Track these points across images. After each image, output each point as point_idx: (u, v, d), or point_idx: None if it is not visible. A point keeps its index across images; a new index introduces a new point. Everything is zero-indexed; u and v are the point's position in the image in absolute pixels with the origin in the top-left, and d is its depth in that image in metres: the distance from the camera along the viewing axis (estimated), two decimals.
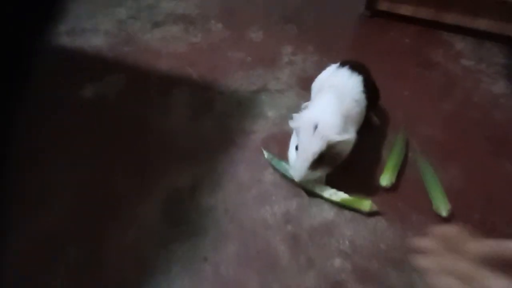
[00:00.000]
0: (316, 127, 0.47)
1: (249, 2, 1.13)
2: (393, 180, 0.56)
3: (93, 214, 0.52)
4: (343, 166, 0.52)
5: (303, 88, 0.77)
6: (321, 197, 0.53)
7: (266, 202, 0.54)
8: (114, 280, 0.44)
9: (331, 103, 0.51)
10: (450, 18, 1.04)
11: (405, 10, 1.07)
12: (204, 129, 0.66)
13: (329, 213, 0.53)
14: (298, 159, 0.48)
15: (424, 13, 1.05)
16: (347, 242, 0.49)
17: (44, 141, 0.62)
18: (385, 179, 0.56)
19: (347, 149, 0.50)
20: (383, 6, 1.09)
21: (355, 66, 0.60)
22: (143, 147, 0.62)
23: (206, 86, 0.76)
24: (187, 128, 0.66)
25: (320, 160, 0.47)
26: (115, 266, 0.46)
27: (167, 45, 0.88)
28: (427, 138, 0.67)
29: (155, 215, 0.52)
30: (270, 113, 0.70)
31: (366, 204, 0.51)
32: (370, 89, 0.59)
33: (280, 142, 0.64)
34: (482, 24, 1.01)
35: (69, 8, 0.99)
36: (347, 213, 0.53)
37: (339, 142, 0.47)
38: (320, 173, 0.49)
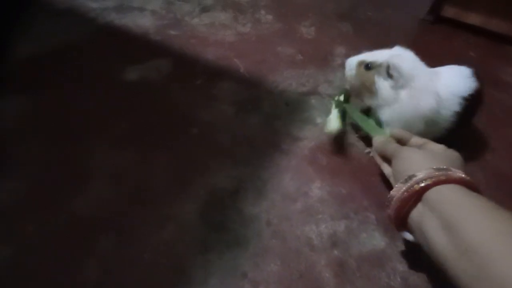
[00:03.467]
0: None
1: None
2: None
3: (128, 204, 0.49)
4: None
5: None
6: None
7: (312, 220, 0.50)
8: (146, 283, 0.42)
9: None
10: None
11: (474, 19, 0.97)
12: (248, 129, 0.62)
13: (380, 242, 0.48)
14: None
15: (496, 25, 0.95)
16: (398, 279, 0.44)
17: (83, 117, 0.61)
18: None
19: None
20: (449, 13, 0.99)
21: None
22: (183, 138, 0.59)
23: (253, 82, 0.71)
24: (230, 125, 0.62)
25: None
26: (148, 266, 0.43)
27: (215, 32, 0.84)
28: (494, 169, 0.60)
29: (193, 216, 0.49)
30: (320, 120, 0.65)
31: None
32: None
33: (329, 153, 0.59)
34: None
35: None
36: (400, 244, 0.48)
37: None
38: None
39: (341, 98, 0.62)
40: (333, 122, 0.57)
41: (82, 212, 0.48)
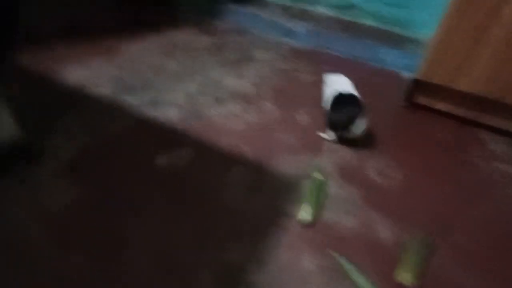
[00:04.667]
0: None
1: (298, 85, 1.30)
2: (412, 279, 0.63)
3: (167, 279, 0.63)
4: None
5: (344, 178, 0.87)
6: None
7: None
8: None
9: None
10: (488, 119, 1.11)
11: (443, 106, 1.16)
12: (253, 208, 0.77)
13: None
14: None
15: (461, 111, 1.14)
16: None
17: (123, 196, 0.77)
18: (403, 277, 0.63)
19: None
20: (422, 101, 1.19)
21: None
22: (202, 217, 0.74)
23: (258, 167, 0.88)
24: (240, 205, 0.78)
25: None
26: None
27: (227, 122, 1.05)
28: (456, 244, 0.73)
29: (207, 286, 0.62)
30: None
31: None
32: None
33: (319, 230, 0.73)
34: None
35: (153, 81, 1.22)
36: None
37: None
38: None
39: (317, 176, 0.78)
40: (306, 212, 0.72)
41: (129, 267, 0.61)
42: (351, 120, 0.91)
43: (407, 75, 1.43)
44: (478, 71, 0.99)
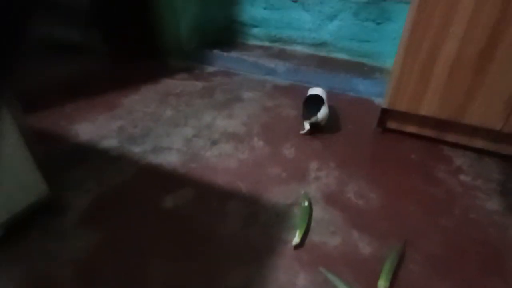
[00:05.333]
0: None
1: (283, 120, 1.45)
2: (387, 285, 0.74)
3: None
4: None
5: (327, 203, 0.99)
6: None
7: None
8: None
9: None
10: (450, 137, 1.27)
11: (411, 128, 1.32)
12: (251, 237, 0.89)
13: None
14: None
15: (428, 131, 1.30)
16: None
17: (137, 238, 0.88)
18: (379, 284, 0.74)
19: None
20: (392, 125, 1.35)
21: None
22: (207, 250, 0.85)
23: (253, 200, 1.01)
24: (238, 236, 0.89)
25: None
26: None
27: (222, 162, 1.18)
28: (426, 252, 0.84)
29: None
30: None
31: None
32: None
33: (309, 251, 0.84)
34: (478, 143, 1.23)
35: (153, 129, 1.36)
36: None
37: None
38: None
39: (305, 203, 0.91)
40: (297, 236, 0.84)
41: None
42: (318, 109, 1.29)
43: (379, 101, 1.60)
44: (430, 98, 1.16)
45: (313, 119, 1.29)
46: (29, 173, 0.85)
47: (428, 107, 1.19)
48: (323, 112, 1.29)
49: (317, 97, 1.36)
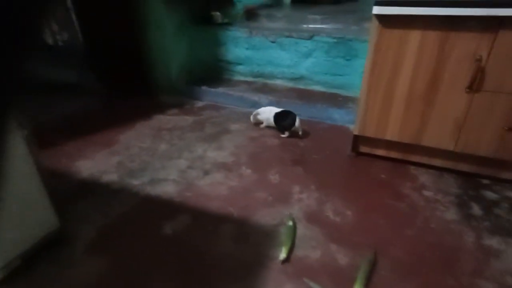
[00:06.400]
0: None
1: (267, 149, 1.61)
2: None
3: None
4: None
5: (309, 221, 1.13)
6: None
7: None
8: None
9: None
10: (414, 157, 1.45)
11: (380, 152, 1.50)
12: (243, 255, 1.00)
13: None
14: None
15: (394, 154, 1.47)
16: None
17: (140, 264, 0.98)
18: None
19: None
20: (364, 149, 1.53)
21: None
22: (203, 269, 0.96)
23: (243, 222, 1.13)
24: (231, 255, 1.00)
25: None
26: None
27: (214, 189, 1.31)
28: (394, 258, 0.98)
29: None
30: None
31: None
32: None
33: (294, 265, 0.96)
34: (438, 162, 1.41)
35: (150, 162, 1.49)
36: None
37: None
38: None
39: (290, 223, 1.04)
40: (283, 252, 0.97)
41: None
42: (294, 121, 1.65)
43: (353, 128, 1.79)
44: (392, 125, 1.35)
45: (293, 128, 1.67)
46: (44, 207, 0.96)
47: (391, 133, 1.37)
48: (297, 123, 1.67)
49: (283, 112, 1.73)
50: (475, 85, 1.17)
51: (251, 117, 1.85)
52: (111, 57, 2.36)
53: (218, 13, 2.35)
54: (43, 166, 0.94)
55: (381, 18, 1.21)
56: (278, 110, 1.76)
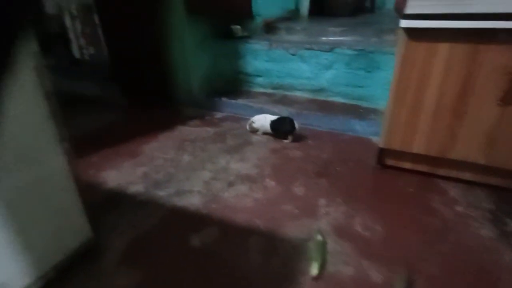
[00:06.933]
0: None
1: (290, 161, 1.61)
2: None
3: None
4: None
5: (338, 235, 1.11)
6: None
7: None
8: None
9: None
10: (442, 171, 1.41)
11: (406, 165, 1.47)
12: (272, 270, 0.99)
13: None
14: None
15: (421, 167, 1.45)
16: None
17: (170, 277, 0.98)
18: None
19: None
20: (390, 162, 1.50)
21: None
22: (233, 283, 0.95)
23: (270, 235, 1.12)
24: (261, 269, 1.00)
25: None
26: None
27: (239, 201, 1.31)
28: (429, 276, 0.95)
29: None
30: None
31: None
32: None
33: (325, 281, 0.95)
34: (467, 176, 1.37)
35: (174, 174, 1.51)
36: None
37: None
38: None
39: (319, 237, 1.03)
40: (314, 267, 0.95)
41: None
42: (293, 126, 1.75)
43: (376, 140, 1.77)
44: (419, 138, 1.33)
45: (294, 132, 1.78)
46: (79, 218, 0.98)
47: (418, 146, 1.35)
48: (297, 126, 1.77)
49: (280, 119, 1.80)
50: (507, 98, 1.15)
51: (247, 126, 1.92)
52: (134, 69, 2.44)
53: (238, 27, 2.40)
54: (81, 178, 0.97)
55: (408, 31, 1.20)
56: (273, 117, 1.83)
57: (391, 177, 1.45)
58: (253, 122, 1.90)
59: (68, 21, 2.83)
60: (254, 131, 1.92)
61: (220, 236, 1.13)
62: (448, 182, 1.39)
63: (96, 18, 2.52)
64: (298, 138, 1.82)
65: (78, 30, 2.79)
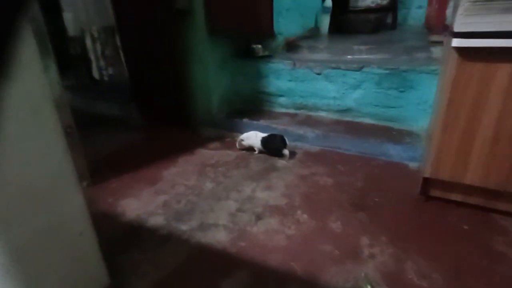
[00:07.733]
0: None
1: (321, 189, 1.47)
2: None
3: None
4: None
5: (389, 285, 0.96)
6: None
7: None
8: None
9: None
10: (500, 205, 1.24)
11: (456, 197, 1.31)
12: None
13: None
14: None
15: (474, 199, 1.28)
16: None
17: None
18: None
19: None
20: (435, 193, 1.34)
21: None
22: None
23: (310, 283, 0.98)
24: None
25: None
26: None
27: (270, 239, 1.17)
28: None
29: None
30: None
31: None
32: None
33: None
34: None
35: (197, 203, 1.40)
36: None
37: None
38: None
39: (368, 287, 0.88)
40: None
41: None
42: (284, 141, 1.73)
43: (414, 166, 1.62)
44: (474, 168, 1.17)
45: (288, 147, 1.75)
46: (95, 264, 0.87)
47: (472, 177, 1.19)
48: (287, 141, 1.75)
49: (271, 136, 1.78)
50: None
51: (237, 144, 1.90)
52: (153, 90, 2.39)
53: (259, 46, 2.33)
54: (98, 218, 0.86)
55: (460, 50, 1.08)
56: (264, 134, 1.81)
57: (439, 210, 1.29)
58: (242, 140, 1.86)
59: (89, 43, 2.84)
60: (244, 149, 1.89)
61: (252, 282, 0.99)
62: (508, 218, 1.22)
63: (117, 39, 2.51)
64: (325, 163, 1.69)
65: (98, 51, 2.79)
